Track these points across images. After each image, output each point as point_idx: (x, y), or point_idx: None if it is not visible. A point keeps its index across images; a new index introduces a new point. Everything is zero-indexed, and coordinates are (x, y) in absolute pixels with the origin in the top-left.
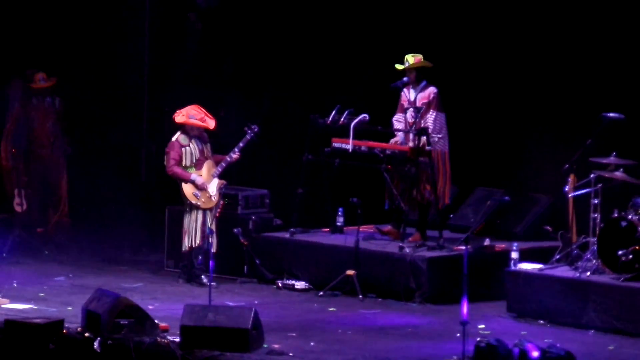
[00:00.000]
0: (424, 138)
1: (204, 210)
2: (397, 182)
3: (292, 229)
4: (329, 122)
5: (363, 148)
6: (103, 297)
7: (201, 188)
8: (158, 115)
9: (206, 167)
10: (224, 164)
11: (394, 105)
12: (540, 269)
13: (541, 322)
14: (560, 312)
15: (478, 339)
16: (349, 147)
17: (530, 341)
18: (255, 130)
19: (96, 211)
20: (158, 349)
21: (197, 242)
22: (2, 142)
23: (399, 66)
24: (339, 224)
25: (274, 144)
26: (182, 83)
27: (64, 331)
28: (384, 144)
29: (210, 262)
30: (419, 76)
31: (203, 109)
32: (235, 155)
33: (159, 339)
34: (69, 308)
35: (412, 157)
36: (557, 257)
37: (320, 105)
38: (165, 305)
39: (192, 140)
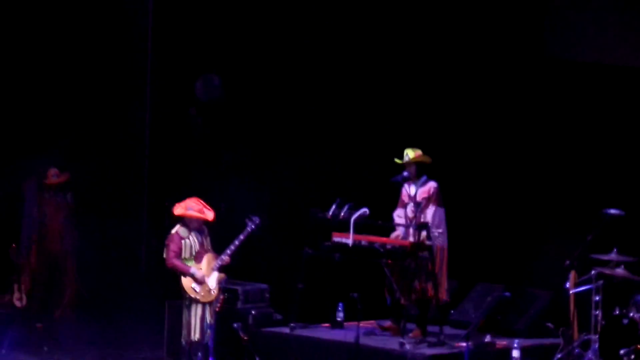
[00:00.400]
0: (424, 233)
1: (204, 304)
2: (397, 277)
3: (292, 324)
4: (329, 216)
5: (363, 242)
6: None
7: (201, 282)
8: (158, 208)
9: (206, 260)
10: (224, 257)
11: (394, 199)
12: None
13: None
14: None
15: None
16: (350, 241)
17: None
18: (257, 222)
19: (97, 304)
20: None
21: (197, 336)
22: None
23: (398, 160)
24: (339, 319)
25: (274, 238)
26: (183, 176)
27: None
28: (384, 239)
29: (210, 358)
30: (419, 171)
31: (202, 201)
32: (232, 249)
33: None
34: None
35: (412, 251)
36: (559, 355)
37: (320, 199)
38: None
39: (192, 233)
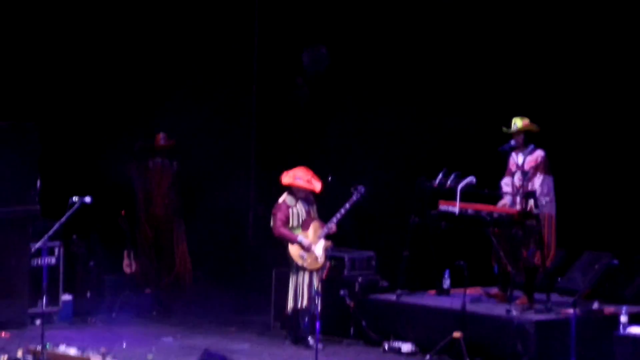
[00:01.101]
0: (531, 201)
1: (310, 272)
2: (504, 245)
3: (398, 291)
4: (435, 184)
5: (470, 211)
6: (211, 359)
7: (307, 249)
8: (265, 177)
9: (312, 228)
10: (330, 225)
11: (501, 168)
12: None
13: None
14: None
15: None
16: (456, 210)
17: None
18: (362, 191)
19: (205, 272)
20: None
21: (304, 303)
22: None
23: (506, 129)
24: (445, 286)
25: (381, 206)
26: (289, 145)
27: None
28: (491, 207)
29: (317, 323)
30: (527, 139)
31: (310, 171)
32: (338, 217)
33: None
34: None
35: (519, 220)
36: None
37: (427, 167)
38: None
39: (299, 202)
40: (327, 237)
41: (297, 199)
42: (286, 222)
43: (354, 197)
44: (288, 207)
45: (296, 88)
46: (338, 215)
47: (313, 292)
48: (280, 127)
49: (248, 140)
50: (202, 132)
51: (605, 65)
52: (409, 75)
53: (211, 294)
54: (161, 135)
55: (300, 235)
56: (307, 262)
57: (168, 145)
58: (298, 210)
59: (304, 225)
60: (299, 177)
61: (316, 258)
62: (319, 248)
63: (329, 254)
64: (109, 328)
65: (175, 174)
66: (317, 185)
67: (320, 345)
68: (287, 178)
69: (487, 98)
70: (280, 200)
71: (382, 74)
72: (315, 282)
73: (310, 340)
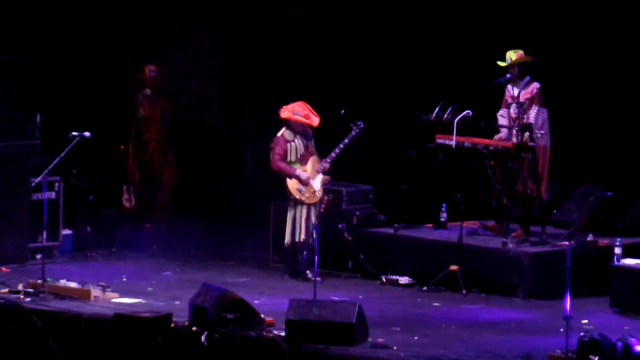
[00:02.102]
0: (527, 134)
1: (308, 206)
2: (500, 178)
3: (395, 225)
4: (432, 118)
5: (466, 144)
6: (210, 292)
7: (305, 183)
8: (263, 111)
9: (311, 162)
10: (328, 160)
11: (497, 101)
12: None
13: None
14: None
15: (581, 333)
16: (453, 143)
17: (633, 336)
18: (361, 126)
19: (204, 206)
20: (264, 343)
21: (302, 237)
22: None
23: (501, 63)
24: (442, 219)
25: (378, 140)
26: (287, 79)
27: (172, 325)
28: (487, 140)
29: (315, 257)
30: (522, 72)
31: (308, 106)
32: (336, 152)
33: (265, 333)
34: (177, 302)
35: (515, 153)
36: None
37: (423, 101)
38: (271, 300)
39: (297, 136)
40: (325, 171)
41: (295, 133)
42: (284, 156)
43: (353, 133)
44: (286, 141)
45: (294, 21)
46: (337, 150)
47: (311, 226)
48: (278, 62)
49: (246, 75)
50: (199, 66)
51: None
52: (405, 10)
53: (210, 228)
54: (150, 68)
55: (299, 170)
56: (305, 196)
57: (156, 78)
58: (296, 144)
59: (302, 160)
60: (297, 111)
61: (314, 192)
62: (317, 182)
63: (326, 188)
64: (109, 262)
65: (166, 106)
66: (314, 120)
67: (318, 279)
68: (285, 112)
69: (482, 31)
70: (279, 134)
71: (379, 8)
72: (313, 216)
73: (309, 273)
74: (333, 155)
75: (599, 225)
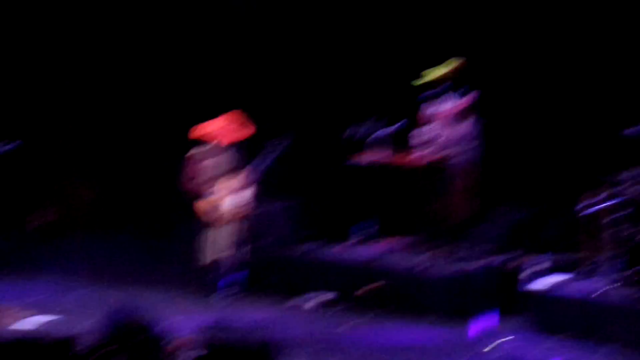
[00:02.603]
0: (448, 151)
1: (221, 225)
2: (418, 196)
3: (313, 243)
4: (352, 135)
5: (384, 161)
6: (125, 310)
7: (217, 203)
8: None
9: (228, 180)
10: (247, 178)
11: (416, 118)
12: (560, 284)
13: (561, 336)
14: (581, 326)
15: (494, 355)
16: (371, 160)
17: (551, 356)
18: (285, 143)
19: (121, 221)
20: None
21: (218, 255)
22: None
23: (425, 78)
24: (360, 237)
25: (299, 157)
26: (211, 97)
27: (83, 345)
28: (408, 157)
29: (233, 276)
30: (443, 89)
31: (235, 120)
32: (252, 172)
33: (179, 353)
34: (92, 321)
35: (433, 170)
36: (583, 270)
37: (344, 118)
38: (189, 319)
39: (214, 154)
40: (240, 190)
41: (211, 150)
42: (199, 173)
43: (276, 149)
44: (205, 158)
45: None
46: (258, 167)
47: (224, 246)
48: (205, 75)
49: (171, 90)
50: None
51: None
52: (334, 24)
53: (128, 246)
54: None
55: (215, 187)
56: (217, 216)
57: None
58: (216, 161)
59: (221, 177)
60: (217, 127)
61: (227, 212)
62: (230, 202)
63: (244, 206)
64: (18, 280)
65: None
66: (240, 135)
67: (232, 298)
68: (208, 127)
69: (407, 45)
70: (194, 151)
71: (296, 26)
72: (227, 236)
73: (222, 292)
74: (248, 175)
75: (515, 245)
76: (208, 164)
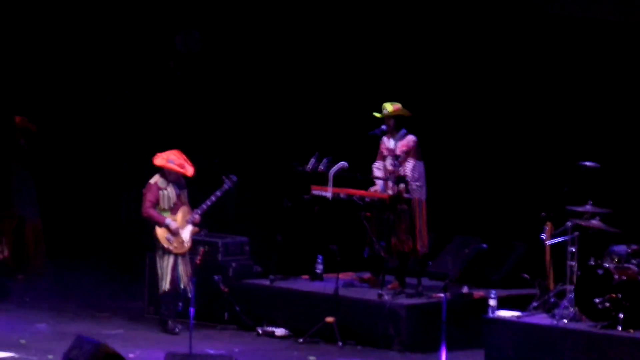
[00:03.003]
0: (402, 186)
1: (176, 255)
2: (376, 230)
3: (271, 276)
4: (308, 169)
5: (342, 195)
6: (84, 345)
7: (174, 233)
8: (138, 160)
9: (181, 212)
10: (199, 211)
11: (372, 152)
12: (517, 317)
13: None
14: (539, 359)
15: None
16: (329, 194)
17: None
18: (234, 180)
19: (75, 255)
20: None
21: (167, 286)
22: None
23: (377, 114)
24: (318, 271)
25: (254, 191)
26: (162, 128)
27: None
28: (363, 192)
29: (190, 309)
30: (398, 124)
31: (183, 155)
32: (207, 204)
33: None
34: (50, 356)
35: (391, 204)
36: (535, 304)
37: (299, 152)
38: (147, 352)
39: (170, 185)
40: (195, 223)
41: (168, 181)
42: (155, 203)
43: (226, 186)
44: (159, 188)
45: (169, 71)
46: (208, 203)
47: (177, 276)
48: (153, 110)
49: (121, 122)
50: (73, 112)
51: (475, 50)
52: (282, 59)
53: (84, 279)
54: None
55: (168, 218)
56: (172, 246)
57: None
58: (168, 192)
59: (174, 209)
60: (171, 159)
61: (182, 242)
62: (186, 233)
63: (200, 239)
64: None
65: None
66: (189, 170)
67: (177, 329)
68: (159, 160)
69: (359, 82)
70: (152, 181)
71: (255, 58)
72: (182, 265)
73: (170, 324)
74: (204, 207)
75: (474, 277)
76: (167, 192)
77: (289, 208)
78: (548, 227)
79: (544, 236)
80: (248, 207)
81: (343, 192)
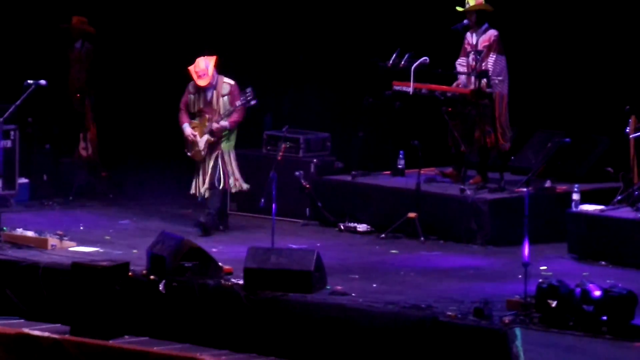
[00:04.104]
0: (484, 80)
1: (198, 161)
2: (458, 125)
3: (353, 172)
4: (389, 65)
5: (424, 91)
6: (167, 240)
7: (187, 139)
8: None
9: (201, 120)
10: (216, 124)
11: (454, 48)
12: (601, 210)
13: (603, 263)
14: (622, 252)
15: (540, 280)
16: (410, 90)
17: (591, 282)
18: (249, 95)
19: (159, 153)
20: (222, 291)
21: (200, 192)
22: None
23: (459, 8)
24: (400, 166)
25: (335, 88)
26: (245, 28)
27: (130, 274)
28: (444, 87)
29: (273, 205)
30: (480, 19)
31: (211, 62)
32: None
33: (223, 281)
34: (134, 251)
35: (472, 99)
36: (619, 198)
37: (380, 48)
38: (229, 248)
39: (199, 90)
40: (212, 132)
41: (197, 86)
42: (186, 106)
43: (244, 100)
44: (189, 92)
45: None
46: (227, 118)
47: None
48: (235, 8)
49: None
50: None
51: None
52: None
53: (167, 176)
54: (76, 19)
55: (186, 123)
56: (190, 152)
57: (81, 29)
58: (194, 98)
59: (198, 114)
60: (196, 65)
61: (198, 151)
62: (202, 142)
63: (278, 135)
64: (66, 211)
65: (85, 59)
66: (202, 80)
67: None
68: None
69: None
70: (190, 84)
71: None
72: (199, 173)
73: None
74: (223, 122)
75: (557, 171)
76: (194, 97)
77: (370, 104)
78: (632, 120)
79: (628, 129)
80: (330, 103)
81: (424, 87)
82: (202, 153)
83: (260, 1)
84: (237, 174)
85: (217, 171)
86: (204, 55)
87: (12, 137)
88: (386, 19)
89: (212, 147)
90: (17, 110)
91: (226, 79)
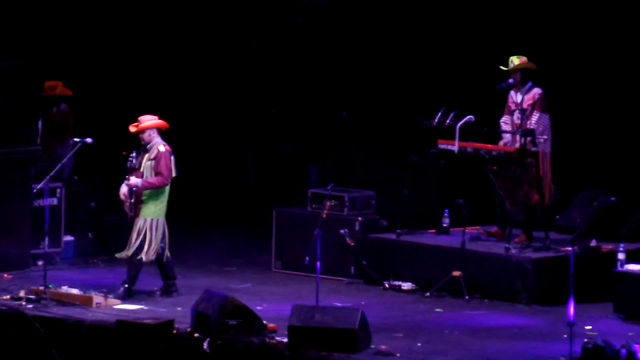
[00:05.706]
0: (529, 139)
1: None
2: (503, 183)
3: (398, 230)
4: (434, 123)
5: (469, 149)
6: (212, 298)
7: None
8: (265, 116)
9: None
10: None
11: (499, 106)
12: None
13: None
14: None
15: (585, 340)
16: (455, 148)
17: (637, 342)
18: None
19: (204, 211)
20: (266, 349)
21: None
22: None
23: (503, 68)
24: (444, 225)
25: (380, 146)
26: (289, 84)
27: (174, 331)
28: (489, 145)
29: (317, 263)
30: (524, 78)
31: (150, 119)
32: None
33: (267, 340)
34: (179, 309)
35: (518, 158)
36: None
37: (426, 106)
38: (273, 306)
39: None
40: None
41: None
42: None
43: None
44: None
45: (296, 27)
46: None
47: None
48: (279, 67)
49: (248, 79)
50: (200, 73)
51: (603, 3)
52: (407, 15)
53: (212, 234)
54: (47, 85)
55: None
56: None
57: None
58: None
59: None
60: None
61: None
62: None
63: (324, 193)
64: (111, 268)
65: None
66: (132, 127)
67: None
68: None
69: (484, 36)
70: (167, 148)
71: (381, 13)
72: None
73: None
74: (134, 180)
75: (602, 230)
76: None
77: (415, 162)
78: None
79: None
80: (375, 161)
81: (470, 146)
82: (130, 214)
83: (306, 57)
84: (154, 244)
85: (132, 239)
86: None
87: (58, 195)
88: (431, 78)
89: (137, 211)
90: (64, 167)
91: (161, 145)
